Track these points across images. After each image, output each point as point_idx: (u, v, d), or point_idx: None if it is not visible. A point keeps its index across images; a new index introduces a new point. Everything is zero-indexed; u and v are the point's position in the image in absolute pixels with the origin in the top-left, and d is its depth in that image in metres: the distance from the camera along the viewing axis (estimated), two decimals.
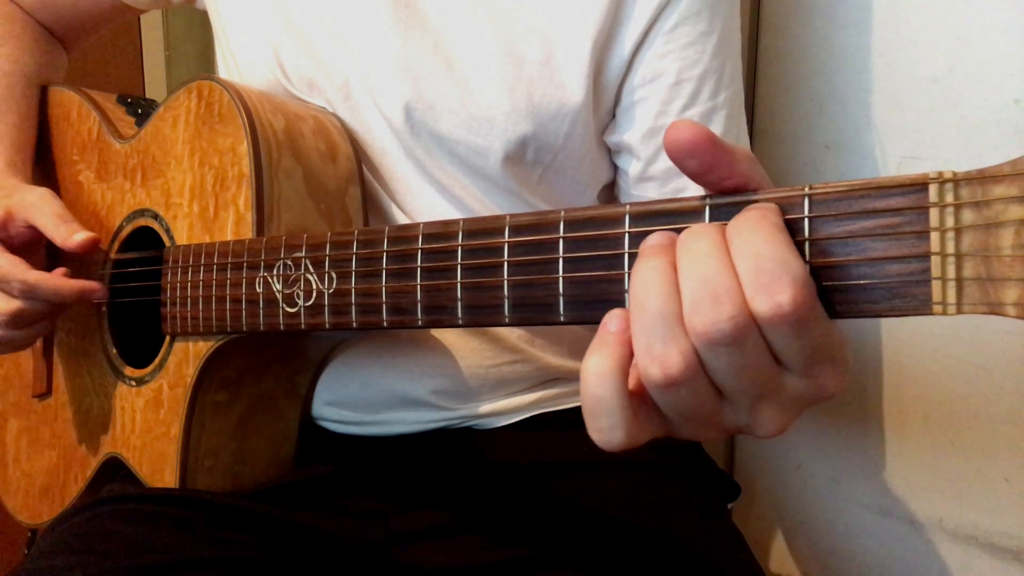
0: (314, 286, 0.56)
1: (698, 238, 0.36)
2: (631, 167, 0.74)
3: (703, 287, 0.34)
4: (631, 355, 0.37)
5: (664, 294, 0.35)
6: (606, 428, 0.37)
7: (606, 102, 0.73)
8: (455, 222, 0.48)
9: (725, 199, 0.38)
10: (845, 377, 0.37)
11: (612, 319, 0.38)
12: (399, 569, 0.70)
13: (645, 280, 0.36)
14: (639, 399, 0.38)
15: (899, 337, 0.96)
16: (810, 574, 1.11)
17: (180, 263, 0.68)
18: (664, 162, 0.72)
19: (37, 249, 0.76)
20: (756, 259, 0.34)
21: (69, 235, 0.71)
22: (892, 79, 0.92)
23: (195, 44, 1.49)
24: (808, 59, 1.00)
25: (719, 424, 0.38)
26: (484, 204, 0.73)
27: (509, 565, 0.68)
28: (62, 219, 0.72)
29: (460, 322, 0.47)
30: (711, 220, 0.38)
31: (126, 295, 0.77)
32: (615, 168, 0.78)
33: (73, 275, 0.73)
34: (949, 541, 0.94)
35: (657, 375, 0.35)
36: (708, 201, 0.39)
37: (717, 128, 0.72)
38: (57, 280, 0.70)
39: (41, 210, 0.72)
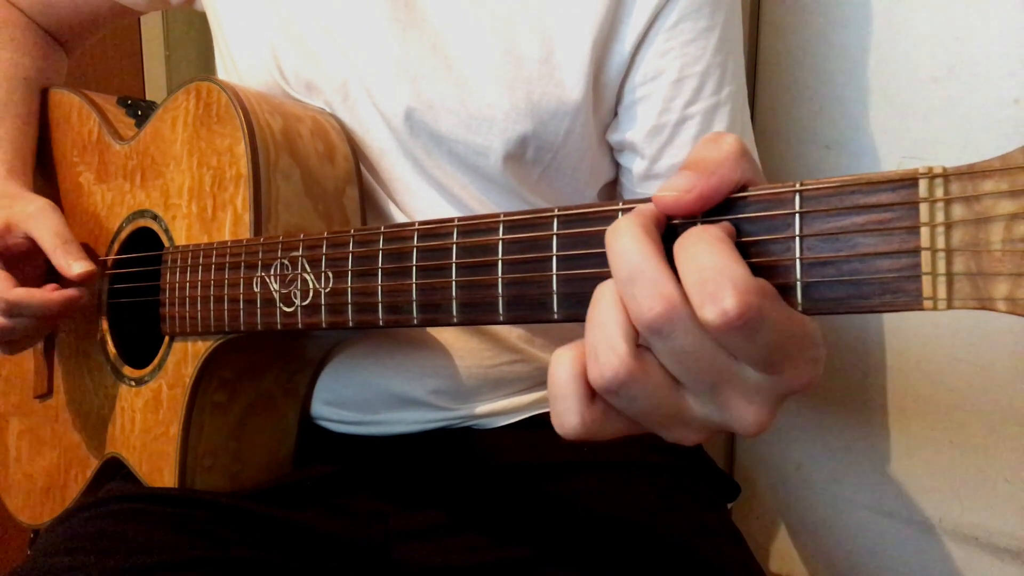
0: (311, 285, 0.56)
1: (623, 245, 0.37)
2: (635, 165, 0.74)
3: (631, 284, 0.36)
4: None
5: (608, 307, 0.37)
6: (561, 411, 0.38)
7: (607, 100, 0.73)
8: (450, 220, 0.48)
9: None
10: (817, 370, 0.37)
11: None
12: (399, 569, 0.70)
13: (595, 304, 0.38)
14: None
15: (900, 337, 0.96)
16: (810, 574, 1.10)
17: (179, 263, 0.69)
18: (669, 159, 0.72)
19: (36, 258, 0.76)
20: (698, 271, 0.34)
21: (69, 265, 0.72)
22: (892, 79, 0.92)
23: (195, 45, 1.49)
24: (808, 59, 1.00)
25: (689, 421, 0.38)
26: (483, 203, 0.73)
27: (509, 565, 0.68)
28: (61, 238, 0.73)
29: (455, 320, 0.47)
30: (703, 218, 0.38)
31: (126, 295, 0.77)
32: (616, 166, 0.78)
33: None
34: (949, 541, 0.94)
35: (598, 379, 0.36)
36: None
37: (721, 124, 0.72)
38: (42, 295, 0.71)
39: (41, 224, 0.73)
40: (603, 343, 0.36)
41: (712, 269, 0.34)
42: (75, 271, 0.71)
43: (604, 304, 0.37)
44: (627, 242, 0.36)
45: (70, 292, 0.72)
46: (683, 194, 0.37)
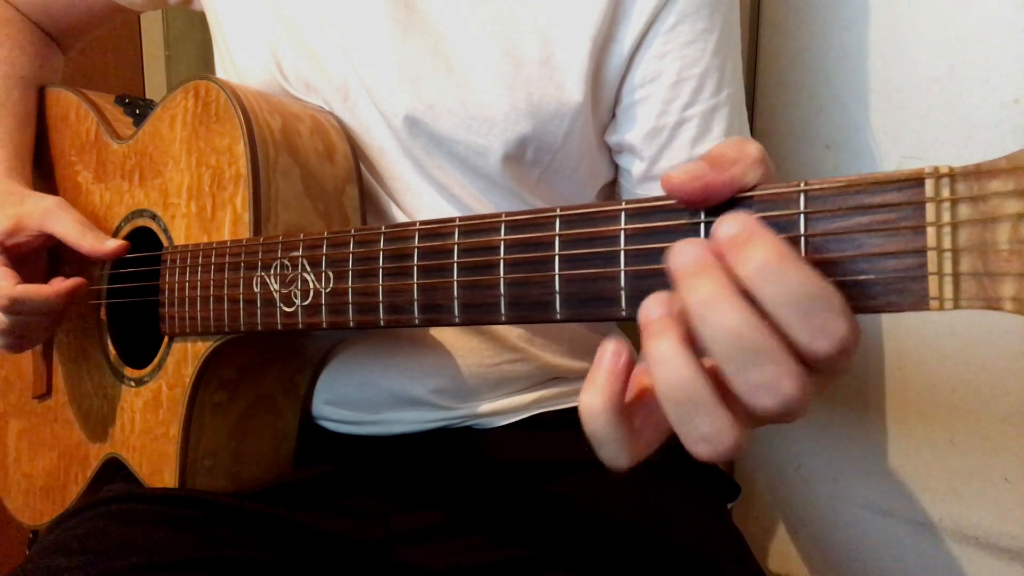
0: (311, 285, 0.56)
1: (712, 299, 0.34)
2: (634, 167, 0.74)
3: (739, 353, 0.33)
4: (623, 390, 0.37)
5: (691, 378, 0.34)
6: (608, 456, 0.38)
7: (605, 101, 0.73)
8: (451, 220, 0.47)
9: None
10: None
11: (605, 354, 0.38)
12: (399, 569, 0.70)
13: (666, 371, 0.35)
14: (641, 418, 0.38)
15: (899, 336, 0.96)
16: (810, 574, 1.10)
17: (178, 263, 0.68)
18: (668, 160, 0.72)
19: (40, 256, 0.76)
20: (795, 301, 0.32)
21: (100, 242, 0.73)
22: (892, 79, 0.92)
23: (195, 44, 1.49)
24: (808, 59, 1.00)
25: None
26: (483, 203, 0.73)
27: (509, 565, 0.68)
28: (85, 226, 0.74)
29: (457, 320, 0.47)
30: (707, 216, 0.38)
31: (125, 295, 0.77)
32: (615, 168, 0.78)
33: (69, 277, 0.74)
34: (949, 541, 0.94)
35: (707, 453, 0.35)
36: None
37: (719, 126, 0.72)
38: (43, 290, 0.72)
39: (61, 219, 0.74)
40: (706, 424, 0.34)
41: (812, 298, 0.32)
42: (108, 246, 0.73)
43: (681, 377, 0.34)
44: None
45: (71, 282, 0.73)
46: (691, 180, 0.37)
